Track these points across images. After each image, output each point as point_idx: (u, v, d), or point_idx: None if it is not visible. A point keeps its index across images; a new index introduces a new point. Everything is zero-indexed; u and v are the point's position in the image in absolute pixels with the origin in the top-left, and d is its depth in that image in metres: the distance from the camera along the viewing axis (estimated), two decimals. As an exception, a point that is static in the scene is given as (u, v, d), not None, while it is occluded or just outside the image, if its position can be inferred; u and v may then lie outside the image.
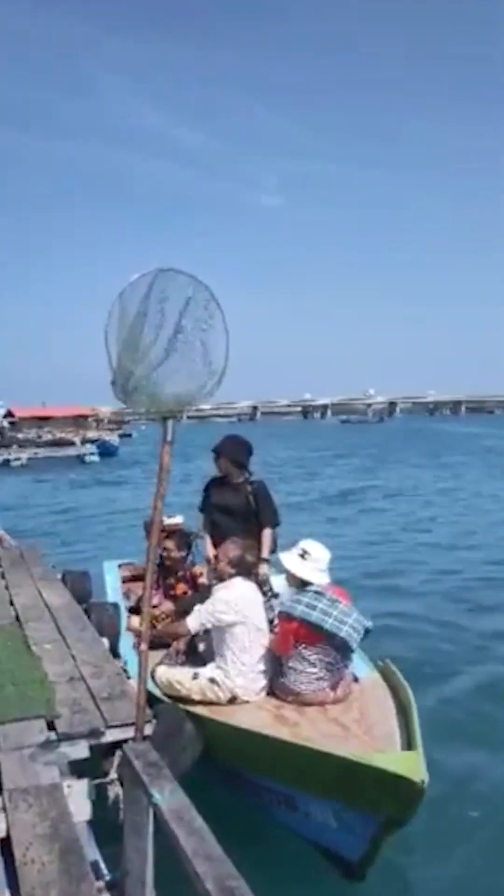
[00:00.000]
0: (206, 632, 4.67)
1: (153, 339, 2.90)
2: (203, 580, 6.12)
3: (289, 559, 4.61)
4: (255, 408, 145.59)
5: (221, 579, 4.65)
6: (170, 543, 6.15)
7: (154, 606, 5.83)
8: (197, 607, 4.55)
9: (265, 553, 5.42)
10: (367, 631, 4.38)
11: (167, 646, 5.41)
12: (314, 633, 4.23)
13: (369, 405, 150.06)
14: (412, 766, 3.11)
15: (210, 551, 5.61)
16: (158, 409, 2.96)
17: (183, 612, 5.63)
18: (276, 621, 4.59)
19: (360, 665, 4.73)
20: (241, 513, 5.51)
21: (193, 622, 4.52)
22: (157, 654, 5.21)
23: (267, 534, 5.54)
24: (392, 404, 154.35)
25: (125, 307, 2.88)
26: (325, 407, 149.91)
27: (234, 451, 5.62)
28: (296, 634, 4.30)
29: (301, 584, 4.49)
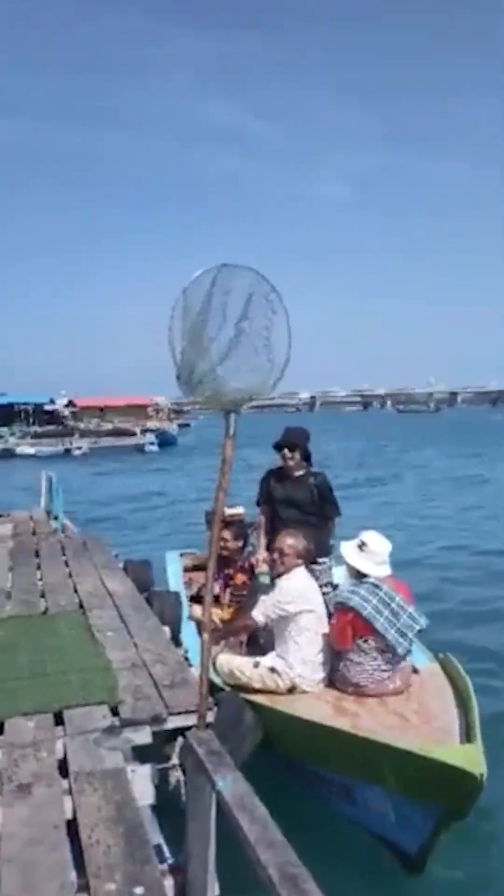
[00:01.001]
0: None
1: (216, 333, 2.92)
2: (261, 569, 6.16)
3: (348, 550, 4.61)
4: (313, 398, 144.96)
5: (283, 571, 4.67)
6: (227, 534, 6.19)
7: (215, 596, 5.88)
8: (262, 599, 4.58)
9: (331, 542, 5.42)
10: (419, 632, 4.35)
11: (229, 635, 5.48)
12: (368, 626, 4.23)
13: (430, 394, 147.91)
14: (472, 758, 3.10)
15: (262, 543, 5.62)
16: (221, 402, 2.99)
17: (244, 603, 5.70)
18: (332, 612, 4.60)
19: (419, 656, 4.71)
20: (305, 505, 5.50)
21: (259, 614, 4.54)
22: (218, 644, 5.28)
23: (332, 525, 5.55)
24: (453, 394, 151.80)
25: (189, 302, 2.91)
26: (384, 397, 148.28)
27: (298, 443, 5.60)
28: (353, 626, 4.30)
29: (358, 576, 4.49)
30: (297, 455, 5.56)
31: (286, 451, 5.57)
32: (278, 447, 5.62)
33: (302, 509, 5.50)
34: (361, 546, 4.55)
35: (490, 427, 67.23)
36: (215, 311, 2.89)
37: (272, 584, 5.16)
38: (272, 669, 4.43)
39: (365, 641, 4.27)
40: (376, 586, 4.36)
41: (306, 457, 5.63)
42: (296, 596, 4.48)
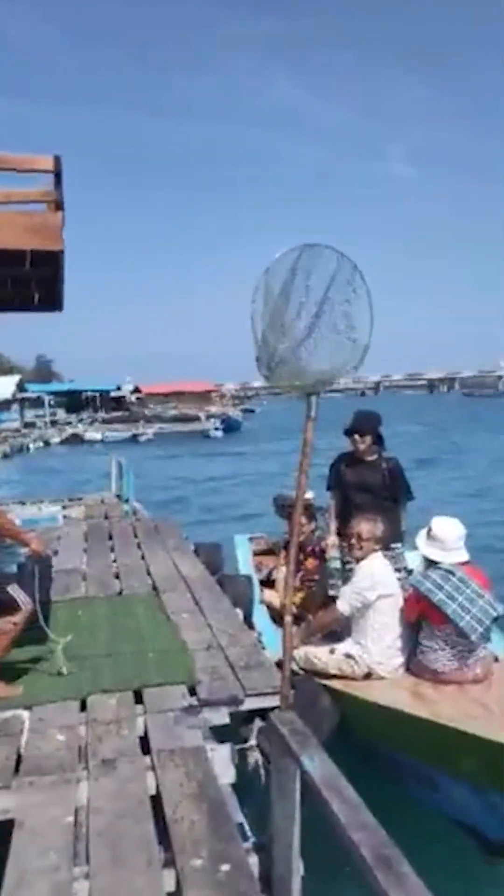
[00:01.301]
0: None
1: (297, 314, 2.91)
2: (331, 554, 6.14)
3: (419, 538, 4.57)
4: (378, 382, 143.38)
5: (360, 557, 4.64)
6: (302, 518, 6.19)
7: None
8: (343, 590, 4.55)
9: (403, 528, 5.37)
10: (495, 619, 4.27)
11: (300, 619, 5.48)
12: (440, 613, 4.17)
13: (500, 377, 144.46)
14: None
15: (333, 527, 5.59)
16: (302, 385, 2.97)
17: (315, 588, 5.69)
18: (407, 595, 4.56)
19: (501, 644, 4.62)
20: (379, 490, 5.45)
21: (344, 605, 4.51)
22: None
23: (404, 510, 5.50)
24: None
25: (270, 284, 2.90)
26: (452, 380, 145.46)
27: (370, 427, 5.54)
28: (422, 610, 4.27)
29: (431, 564, 4.43)
30: (368, 439, 5.51)
31: (357, 436, 5.52)
32: (349, 432, 5.57)
33: (374, 493, 5.46)
34: (429, 533, 4.50)
35: None
36: (297, 292, 2.88)
37: (342, 569, 5.14)
38: (348, 655, 4.42)
39: (436, 628, 4.22)
40: (450, 572, 4.29)
41: (378, 441, 5.58)
42: (375, 582, 4.45)
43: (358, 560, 4.65)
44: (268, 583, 6.43)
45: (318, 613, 5.35)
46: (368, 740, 4.14)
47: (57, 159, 5.11)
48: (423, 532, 4.58)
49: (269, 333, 2.95)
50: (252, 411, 66.10)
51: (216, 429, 47.48)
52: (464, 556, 4.45)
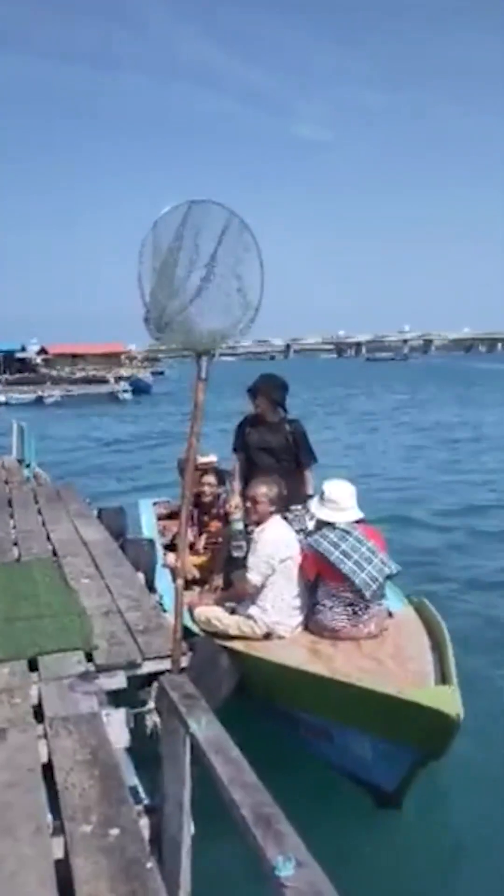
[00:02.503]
0: (241, 567, 4.70)
1: (187, 272, 2.83)
2: (235, 516, 6.17)
3: (312, 502, 4.63)
4: (287, 346, 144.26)
5: (257, 520, 4.65)
6: (211, 479, 6.20)
7: (190, 543, 5.88)
8: (250, 561, 4.49)
9: (309, 490, 5.41)
10: (389, 577, 4.38)
11: (204, 582, 5.50)
12: (336, 571, 4.25)
13: (405, 342, 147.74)
14: (448, 700, 3.17)
15: (237, 489, 5.59)
16: (193, 345, 2.91)
17: (218, 550, 5.70)
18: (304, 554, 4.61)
19: (394, 601, 4.76)
20: (281, 452, 5.47)
21: (256, 577, 4.46)
22: (193, 591, 5.30)
23: (308, 472, 5.54)
24: (427, 342, 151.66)
25: (158, 240, 2.81)
26: (358, 344, 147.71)
27: (271, 390, 5.53)
28: (319, 569, 4.34)
29: (326, 526, 4.49)
30: (262, 400, 5.52)
31: (259, 397, 5.52)
32: (252, 393, 5.56)
33: (277, 456, 5.48)
34: (322, 496, 4.56)
35: (454, 372, 68.35)
36: (186, 249, 2.80)
37: (245, 531, 5.15)
38: (248, 616, 4.45)
39: (333, 586, 4.30)
40: (346, 532, 4.37)
41: (280, 404, 5.59)
42: (278, 546, 4.47)
43: (256, 524, 4.66)
44: (172, 546, 6.40)
45: (219, 576, 5.38)
46: (269, 699, 4.20)
47: None
48: (316, 497, 4.63)
49: (158, 292, 2.87)
50: (162, 373, 65.54)
51: (125, 391, 46.84)
52: (357, 514, 4.54)
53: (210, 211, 2.76)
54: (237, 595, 4.71)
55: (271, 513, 4.61)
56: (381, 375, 71.01)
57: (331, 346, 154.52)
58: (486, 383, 52.98)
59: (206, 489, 6.23)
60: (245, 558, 4.66)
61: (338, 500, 4.49)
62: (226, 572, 5.34)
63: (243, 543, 5.11)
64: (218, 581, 5.36)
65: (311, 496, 5.36)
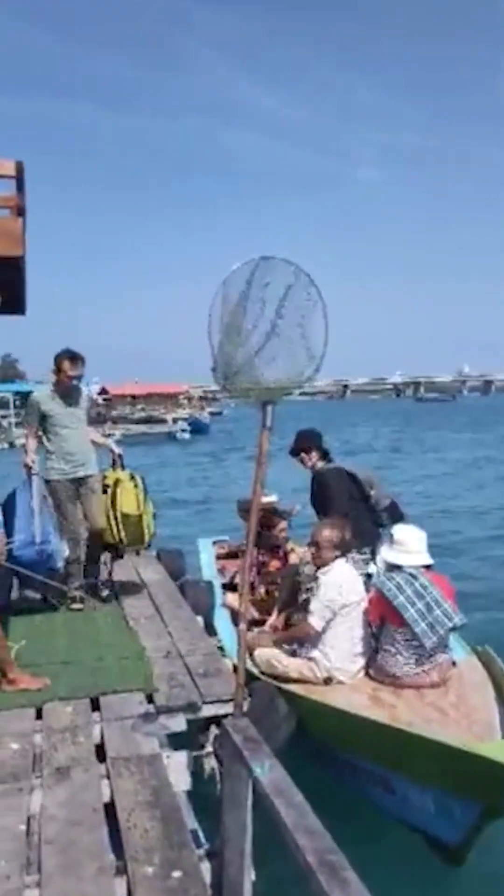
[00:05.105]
0: (305, 610, 4.71)
1: (254, 324, 2.93)
2: (294, 557, 6.20)
3: (383, 548, 4.64)
4: (345, 387, 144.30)
5: (321, 564, 4.67)
6: (283, 524, 6.31)
7: (250, 584, 5.92)
8: (312, 605, 4.50)
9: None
10: (454, 628, 4.33)
11: (262, 622, 5.51)
12: (399, 616, 4.22)
13: (463, 382, 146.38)
14: None
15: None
16: (258, 394, 3.00)
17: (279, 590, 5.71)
18: (371, 597, 4.60)
19: (457, 649, 4.68)
20: (313, 502, 5.54)
21: (317, 621, 4.46)
22: (252, 631, 5.31)
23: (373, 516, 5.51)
24: (488, 382, 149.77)
25: (228, 293, 2.92)
26: (416, 384, 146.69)
27: (317, 444, 5.68)
28: (383, 611, 4.33)
29: (394, 569, 4.48)
30: (314, 456, 5.60)
31: (303, 454, 5.63)
32: (294, 453, 5.68)
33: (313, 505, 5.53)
34: (391, 540, 4.57)
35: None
36: (253, 303, 2.90)
37: (314, 576, 5.15)
38: (310, 659, 4.45)
39: (396, 631, 4.27)
40: (413, 576, 4.35)
41: (324, 455, 5.65)
42: (340, 590, 4.48)
43: (318, 567, 4.67)
44: (231, 587, 6.45)
45: (278, 617, 5.38)
46: (327, 745, 4.17)
47: (19, 165, 5.09)
48: (387, 541, 4.64)
49: (225, 342, 2.98)
50: (220, 413, 66.12)
51: (183, 431, 47.43)
52: (427, 559, 4.52)
53: (278, 267, 2.86)
54: (297, 637, 4.70)
55: (335, 557, 4.62)
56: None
57: (388, 387, 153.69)
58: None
59: (281, 534, 6.34)
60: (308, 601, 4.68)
61: (407, 542, 4.49)
62: (287, 614, 5.35)
63: (312, 586, 5.13)
64: (276, 622, 5.37)
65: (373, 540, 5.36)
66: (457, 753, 3.17)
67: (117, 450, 6.28)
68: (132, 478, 6.06)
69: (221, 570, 6.99)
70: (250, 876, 2.48)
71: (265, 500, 6.49)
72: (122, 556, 6.50)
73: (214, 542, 7.85)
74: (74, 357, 5.76)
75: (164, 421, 53.03)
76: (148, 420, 54.67)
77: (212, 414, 60.77)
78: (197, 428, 49.27)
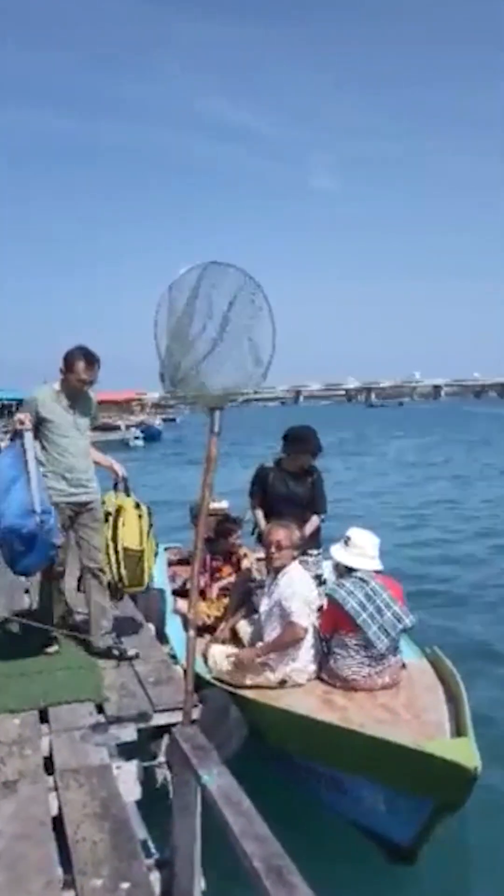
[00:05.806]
0: (255, 615, 4.70)
1: (201, 330, 2.92)
2: (246, 563, 6.18)
3: (335, 547, 4.64)
4: (298, 392, 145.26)
5: (280, 566, 4.65)
6: (237, 531, 6.29)
7: (201, 590, 5.88)
8: (295, 606, 4.42)
9: (308, 531, 5.35)
10: (405, 629, 4.37)
11: (213, 629, 5.48)
12: (351, 621, 4.25)
13: (413, 388, 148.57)
14: (465, 752, 3.14)
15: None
16: (205, 400, 2.99)
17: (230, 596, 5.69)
18: (324, 606, 4.62)
19: (407, 652, 4.73)
20: (306, 502, 5.49)
21: (305, 621, 4.41)
22: (204, 637, 5.28)
23: (315, 519, 5.52)
24: (437, 388, 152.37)
25: (174, 299, 2.91)
26: (368, 390, 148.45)
27: (317, 443, 5.57)
28: (335, 617, 4.35)
29: (347, 572, 4.51)
30: (308, 457, 5.54)
31: (310, 455, 5.53)
32: (301, 443, 5.54)
33: (302, 506, 5.47)
34: (346, 542, 4.58)
35: (446, 416, 70.22)
36: (200, 309, 2.89)
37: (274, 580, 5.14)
38: (263, 663, 4.44)
39: (347, 635, 4.29)
40: (363, 580, 4.38)
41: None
42: (311, 587, 4.52)
43: (277, 570, 4.66)
44: (183, 593, 6.40)
45: (232, 621, 5.35)
46: (282, 748, 4.17)
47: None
48: (340, 542, 4.65)
49: (173, 348, 2.97)
50: (173, 420, 65.80)
51: (136, 438, 47.07)
52: (378, 565, 4.55)
53: (225, 272, 2.86)
54: (288, 644, 4.47)
55: (294, 557, 4.64)
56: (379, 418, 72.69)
57: (340, 393, 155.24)
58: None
59: (237, 541, 6.32)
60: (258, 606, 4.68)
61: (364, 546, 4.52)
62: (236, 621, 5.33)
63: (265, 591, 5.12)
64: (228, 629, 5.35)
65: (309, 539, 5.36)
66: (408, 752, 3.22)
67: (122, 471, 5.19)
68: (137, 506, 5.07)
69: (173, 577, 6.93)
70: (200, 884, 2.47)
71: (215, 505, 6.48)
72: (121, 598, 5.29)
73: (166, 549, 7.78)
74: (91, 358, 4.75)
75: (117, 428, 52.51)
76: (103, 427, 54.06)
77: (165, 420, 60.48)
78: (149, 435, 48.97)
